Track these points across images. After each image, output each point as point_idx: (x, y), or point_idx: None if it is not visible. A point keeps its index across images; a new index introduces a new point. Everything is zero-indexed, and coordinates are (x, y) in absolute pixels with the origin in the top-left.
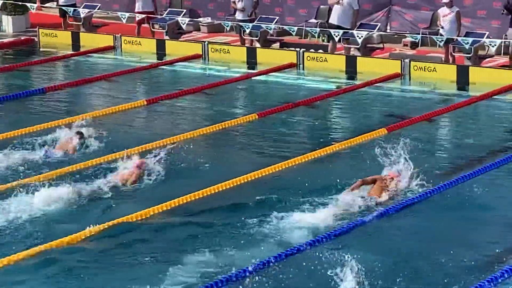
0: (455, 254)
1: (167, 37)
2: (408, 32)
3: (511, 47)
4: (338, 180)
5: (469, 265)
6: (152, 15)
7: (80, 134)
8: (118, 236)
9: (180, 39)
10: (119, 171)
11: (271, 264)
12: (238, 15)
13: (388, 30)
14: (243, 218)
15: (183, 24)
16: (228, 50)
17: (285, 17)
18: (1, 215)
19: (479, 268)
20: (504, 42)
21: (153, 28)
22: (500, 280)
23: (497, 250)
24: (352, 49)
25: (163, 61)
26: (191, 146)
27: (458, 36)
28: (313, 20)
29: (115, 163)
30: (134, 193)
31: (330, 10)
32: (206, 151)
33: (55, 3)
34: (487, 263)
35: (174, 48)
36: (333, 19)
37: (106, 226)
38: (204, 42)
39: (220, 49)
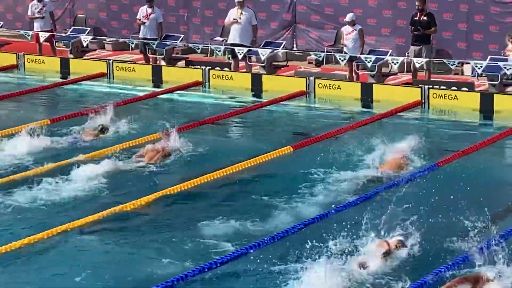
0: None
1: (71, 56)
2: (314, 50)
3: (413, 65)
4: (243, 199)
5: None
6: (53, 33)
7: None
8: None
9: (84, 57)
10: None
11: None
12: (142, 33)
13: (294, 48)
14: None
15: (87, 42)
16: (133, 68)
17: (190, 35)
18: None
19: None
20: (407, 59)
21: (57, 46)
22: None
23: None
24: (257, 67)
25: (67, 79)
26: (97, 164)
27: (361, 53)
28: (218, 38)
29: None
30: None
31: None
32: (107, 172)
33: None
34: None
35: (79, 67)
36: (233, 39)
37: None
38: (109, 60)
39: (125, 67)
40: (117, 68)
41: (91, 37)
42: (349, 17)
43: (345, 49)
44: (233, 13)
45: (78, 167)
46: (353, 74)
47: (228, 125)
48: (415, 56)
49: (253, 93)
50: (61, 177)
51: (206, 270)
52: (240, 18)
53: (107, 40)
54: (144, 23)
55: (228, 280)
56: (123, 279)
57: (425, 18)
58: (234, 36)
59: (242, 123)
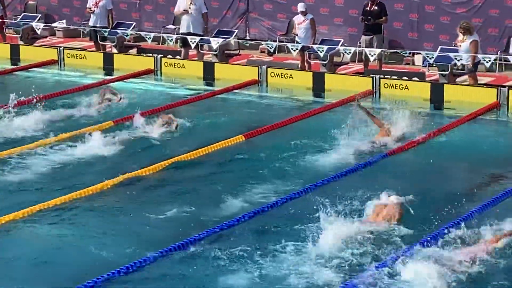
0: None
1: (21, 42)
2: (266, 39)
3: (364, 54)
4: (194, 187)
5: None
6: (3, 20)
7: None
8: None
9: (35, 44)
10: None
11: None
12: (92, 21)
13: (247, 37)
14: None
15: (38, 29)
16: (84, 55)
17: (142, 22)
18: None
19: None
20: (358, 49)
21: (7, 33)
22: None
23: None
24: (209, 55)
25: (17, 66)
26: (45, 152)
27: (313, 43)
28: (170, 26)
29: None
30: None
31: None
32: (60, 159)
33: None
34: None
35: (29, 54)
36: (185, 28)
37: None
38: (60, 47)
39: (76, 54)
40: (68, 55)
41: (42, 24)
42: (300, 6)
43: (296, 38)
44: (183, 2)
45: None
46: (305, 63)
47: (180, 114)
48: (366, 46)
49: (205, 81)
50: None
51: (157, 257)
52: (190, 8)
53: (58, 27)
54: (94, 11)
55: (179, 267)
56: (69, 265)
57: (376, 7)
58: (185, 26)
59: (194, 111)
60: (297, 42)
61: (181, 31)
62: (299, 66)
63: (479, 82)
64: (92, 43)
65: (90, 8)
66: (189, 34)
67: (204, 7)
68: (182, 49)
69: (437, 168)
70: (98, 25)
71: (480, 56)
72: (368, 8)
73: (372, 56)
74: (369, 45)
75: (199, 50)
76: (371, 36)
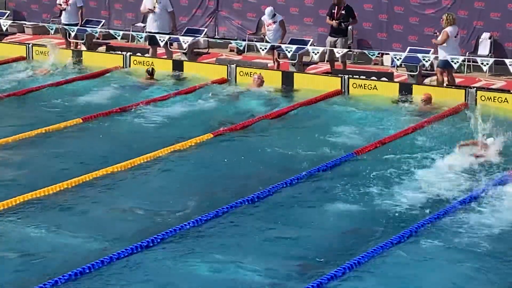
0: None
1: None
2: (235, 38)
3: (328, 55)
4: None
5: None
6: None
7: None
8: None
9: (3, 41)
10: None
11: None
12: (64, 18)
13: (217, 35)
14: None
15: (5, 26)
16: None
17: (112, 20)
18: None
19: None
20: (326, 49)
21: None
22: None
23: None
24: (178, 53)
25: None
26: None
27: (282, 42)
28: (140, 24)
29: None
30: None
31: None
32: (29, 155)
33: None
34: None
35: None
36: (151, 27)
37: None
38: (29, 44)
39: (45, 51)
40: (37, 52)
41: (10, 21)
42: (267, 12)
43: (266, 38)
44: (148, 1)
45: None
46: (274, 63)
47: (149, 112)
48: (331, 47)
49: (174, 79)
50: None
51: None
52: (155, 7)
53: (27, 24)
54: (65, 9)
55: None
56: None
57: (343, 12)
58: (152, 26)
59: (164, 109)
60: (267, 41)
61: (147, 29)
62: (267, 65)
63: (446, 83)
64: (62, 40)
65: (60, 5)
66: (156, 33)
67: (170, 5)
68: (150, 48)
69: (400, 167)
70: (71, 22)
71: (448, 57)
72: (334, 11)
73: (338, 54)
74: (334, 46)
75: (168, 48)
76: (336, 39)
